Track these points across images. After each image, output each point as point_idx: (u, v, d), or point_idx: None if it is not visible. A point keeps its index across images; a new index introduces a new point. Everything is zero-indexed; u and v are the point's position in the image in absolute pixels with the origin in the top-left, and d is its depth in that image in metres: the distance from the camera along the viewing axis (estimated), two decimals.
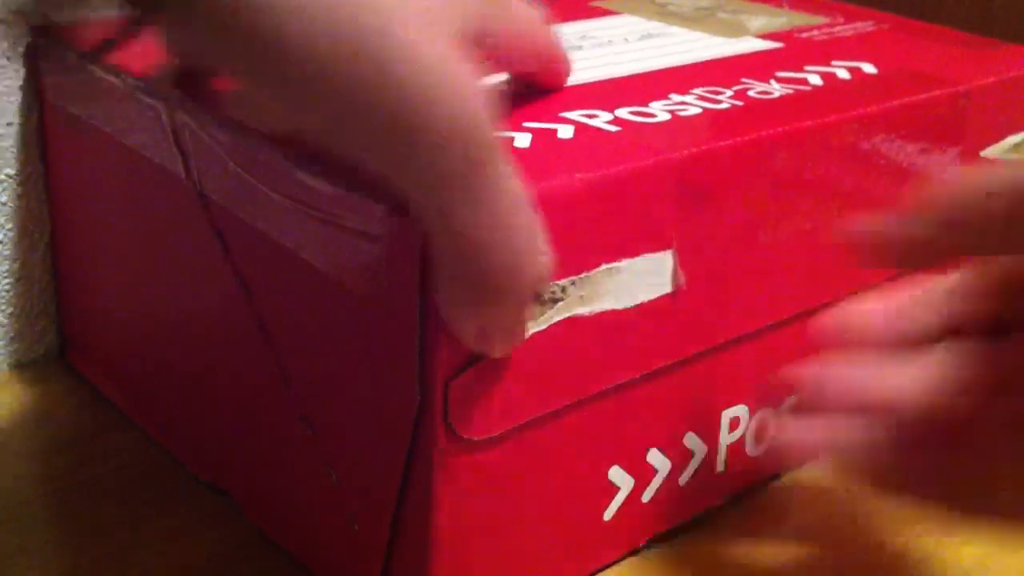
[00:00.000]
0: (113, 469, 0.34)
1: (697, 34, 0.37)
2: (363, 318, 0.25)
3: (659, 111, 0.29)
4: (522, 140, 0.26)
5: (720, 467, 0.31)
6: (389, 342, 0.24)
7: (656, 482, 0.30)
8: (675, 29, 0.38)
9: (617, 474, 0.29)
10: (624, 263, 0.26)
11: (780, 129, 0.29)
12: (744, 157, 0.28)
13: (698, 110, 0.29)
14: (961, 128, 0.34)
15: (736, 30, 0.38)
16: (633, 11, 0.41)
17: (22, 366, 0.39)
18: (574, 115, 0.28)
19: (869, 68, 0.34)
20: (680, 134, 0.28)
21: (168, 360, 0.33)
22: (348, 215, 0.24)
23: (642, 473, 0.29)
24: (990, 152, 0.35)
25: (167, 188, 0.30)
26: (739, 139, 0.28)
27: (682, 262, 0.27)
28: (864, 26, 0.40)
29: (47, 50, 0.35)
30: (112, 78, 0.31)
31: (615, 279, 0.26)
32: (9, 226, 0.38)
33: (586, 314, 0.25)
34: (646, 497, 0.30)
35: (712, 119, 0.29)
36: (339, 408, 0.27)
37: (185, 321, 0.32)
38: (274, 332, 0.28)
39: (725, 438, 0.31)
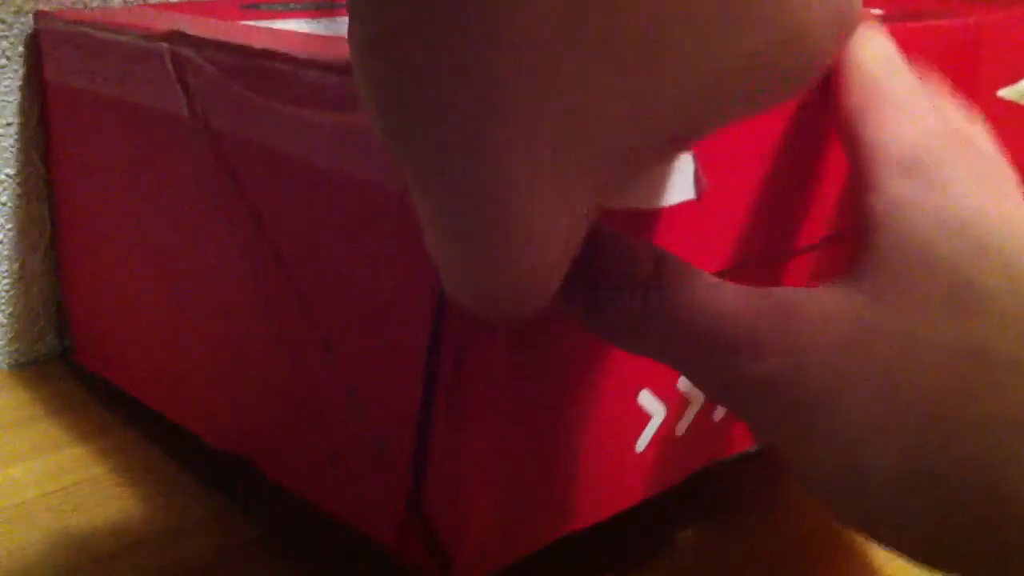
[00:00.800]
0: (113, 469, 0.34)
1: None
2: (381, 232, 0.24)
3: None
4: None
5: None
6: (412, 256, 0.23)
7: (689, 414, 0.28)
8: None
9: (648, 400, 0.27)
10: None
11: None
12: None
13: None
14: (974, 64, 0.33)
15: None
16: None
17: (22, 366, 0.39)
18: None
19: (875, 10, 0.34)
20: None
21: (182, 330, 0.32)
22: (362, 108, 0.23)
23: (674, 402, 0.28)
24: (1006, 93, 0.35)
25: (172, 142, 0.30)
26: None
27: (708, 173, 0.26)
28: None
29: (49, 28, 0.35)
30: (114, 35, 0.31)
31: (638, 177, 0.25)
32: (9, 226, 0.38)
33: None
34: (680, 430, 0.28)
35: None
36: (359, 328, 0.26)
37: (198, 280, 0.31)
38: (290, 266, 0.27)
39: None
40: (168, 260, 0.32)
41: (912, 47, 0.31)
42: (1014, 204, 0.21)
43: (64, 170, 0.37)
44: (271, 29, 0.30)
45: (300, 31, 0.30)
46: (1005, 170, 0.22)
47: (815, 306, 0.20)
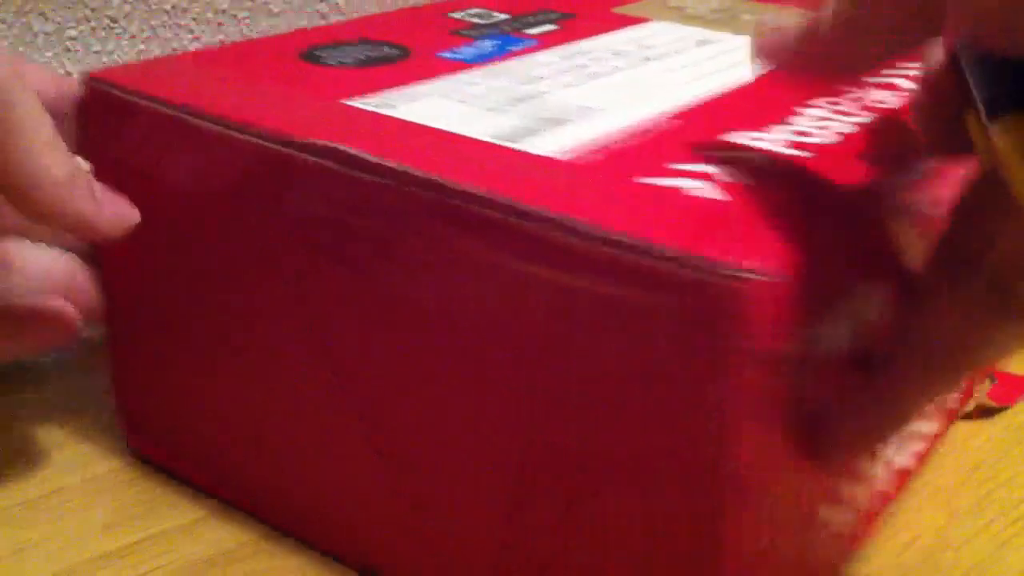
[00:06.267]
0: (112, 469, 0.34)
1: (742, 38, 0.37)
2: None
3: (813, 130, 0.28)
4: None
5: None
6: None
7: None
8: (719, 35, 0.37)
9: None
10: None
11: None
12: None
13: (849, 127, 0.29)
14: None
15: None
16: (659, 17, 0.40)
17: (23, 366, 0.39)
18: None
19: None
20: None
21: (267, 438, 0.30)
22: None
23: None
24: None
25: (242, 224, 0.28)
26: None
27: None
28: None
29: (102, 94, 0.31)
30: (217, 127, 0.28)
31: None
32: None
33: None
34: None
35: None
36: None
37: (279, 390, 0.29)
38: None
39: None
40: (235, 356, 0.30)
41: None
42: None
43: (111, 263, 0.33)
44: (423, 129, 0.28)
45: (470, 135, 0.27)
46: None
47: None
